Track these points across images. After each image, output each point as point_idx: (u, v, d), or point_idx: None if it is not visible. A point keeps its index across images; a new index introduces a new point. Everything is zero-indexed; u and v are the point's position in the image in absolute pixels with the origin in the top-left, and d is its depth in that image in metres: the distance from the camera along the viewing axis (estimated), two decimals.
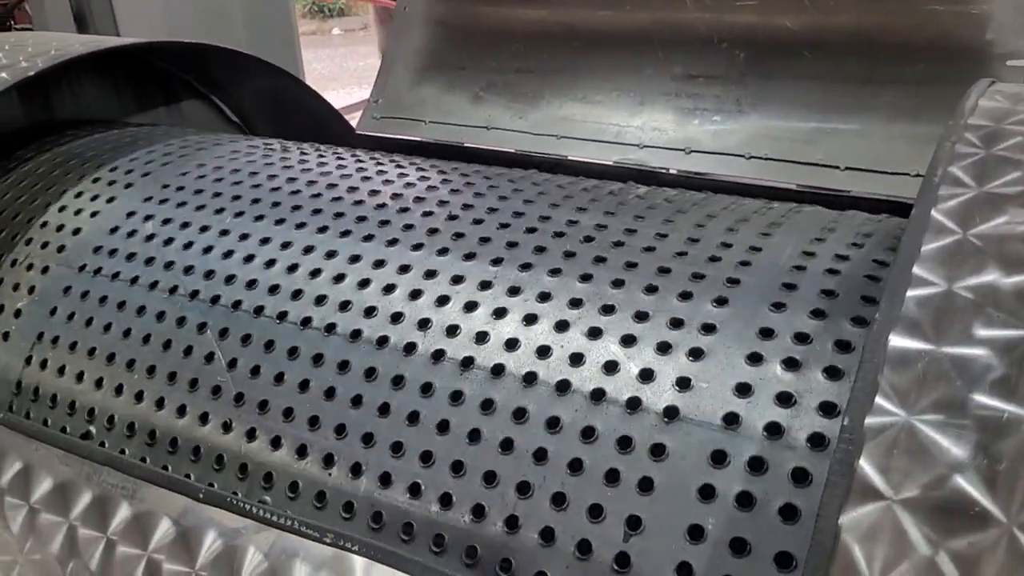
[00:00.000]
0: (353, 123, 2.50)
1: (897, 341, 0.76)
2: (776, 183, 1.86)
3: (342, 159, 1.61)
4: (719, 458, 0.90)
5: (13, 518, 1.07)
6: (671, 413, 0.95)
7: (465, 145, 2.25)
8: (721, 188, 1.89)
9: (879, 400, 0.74)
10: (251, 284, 1.25)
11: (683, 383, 0.97)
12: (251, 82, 2.38)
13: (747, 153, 1.93)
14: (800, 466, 0.87)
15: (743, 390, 0.94)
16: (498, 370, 1.03)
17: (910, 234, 0.84)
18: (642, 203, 1.39)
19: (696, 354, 0.99)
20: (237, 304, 1.22)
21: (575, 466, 0.94)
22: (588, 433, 0.96)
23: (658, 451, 0.93)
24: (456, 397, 1.02)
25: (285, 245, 1.30)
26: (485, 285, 1.14)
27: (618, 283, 1.10)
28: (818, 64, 1.90)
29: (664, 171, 1.97)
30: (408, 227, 1.29)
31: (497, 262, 1.18)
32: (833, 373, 0.93)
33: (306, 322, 1.16)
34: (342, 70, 11.54)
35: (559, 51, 2.22)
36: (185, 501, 0.98)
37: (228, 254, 1.32)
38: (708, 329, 1.02)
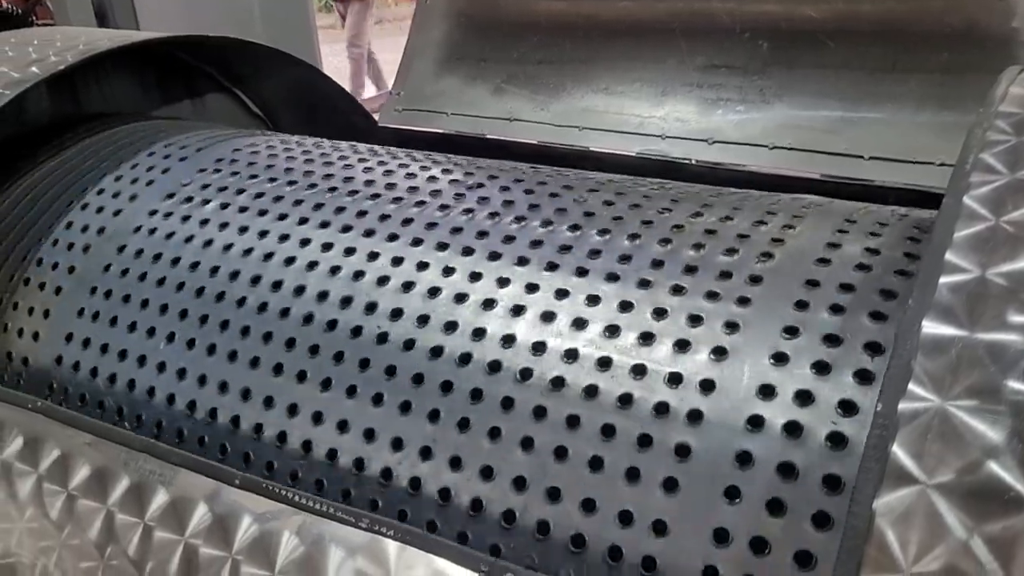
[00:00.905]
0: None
1: (930, 327, 0.76)
2: (800, 173, 1.86)
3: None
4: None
5: (52, 504, 1.09)
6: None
7: (487, 137, 2.25)
8: (744, 178, 1.89)
9: (912, 386, 0.74)
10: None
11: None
12: (273, 75, 2.39)
13: (771, 143, 1.92)
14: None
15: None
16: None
17: (942, 221, 0.84)
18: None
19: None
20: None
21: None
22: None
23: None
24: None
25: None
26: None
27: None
28: (842, 53, 1.89)
29: (687, 162, 1.97)
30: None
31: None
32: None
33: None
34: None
35: (581, 42, 2.22)
36: (221, 487, 0.99)
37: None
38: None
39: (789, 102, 1.94)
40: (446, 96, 2.38)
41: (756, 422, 0.92)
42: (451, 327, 1.10)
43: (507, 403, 1.01)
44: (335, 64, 11.15)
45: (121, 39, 1.88)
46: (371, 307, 1.16)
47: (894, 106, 1.83)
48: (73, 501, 1.06)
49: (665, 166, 1.98)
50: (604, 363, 1.01)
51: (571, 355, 1.03)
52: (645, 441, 0.94)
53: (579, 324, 1.06)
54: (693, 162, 1.97)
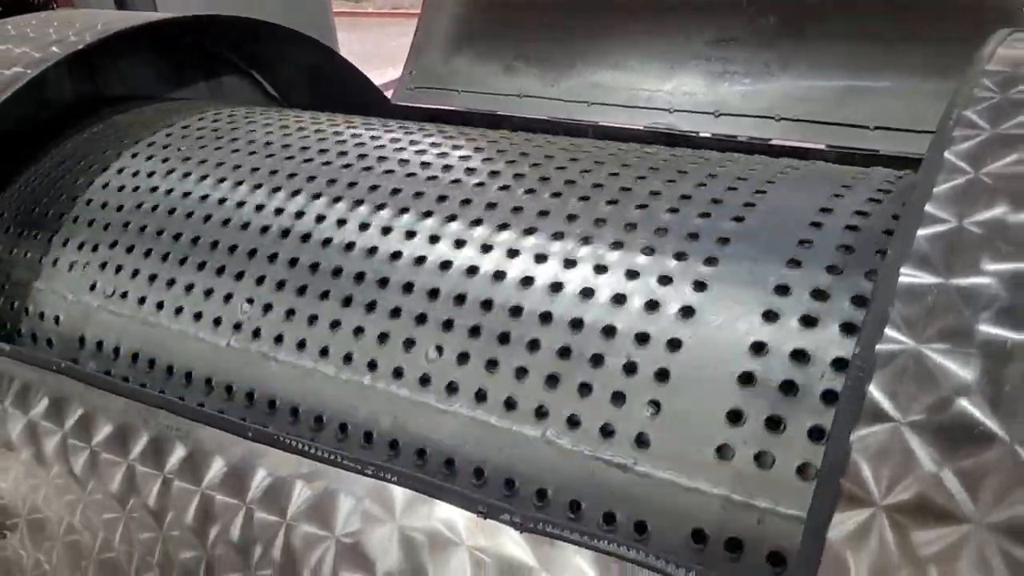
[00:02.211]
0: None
1: (907, 275, 0.80)
2: (806, 144, 1.88)
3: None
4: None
5: (76, 461, 1.14)
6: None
7: (498, 113, 2.29)
8: (750, 150, 1.92)
9: (888, 330, 0.77)
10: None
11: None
12: (290, 57, 2.43)
13: (777, 115, 1.95)
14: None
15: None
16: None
17: (923, 174, 0.87)
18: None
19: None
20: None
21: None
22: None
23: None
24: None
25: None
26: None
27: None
28: (846, 24, 1.91)
29: (693, 134, 2.00)
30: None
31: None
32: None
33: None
34: (376, 49, 11.56)
35: (588, 19, 2.24)
36: (235, 440, 1.04)
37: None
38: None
39: (795, 74, 1.96)
40: (457, 75, 2.42)
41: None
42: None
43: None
44: (351, 50, 11.19)
45: (138, 19, 1.92)
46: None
47: (898, 76, 1.85)
48: (96, 456, 1.11)
49: (672, 139, 2.01)
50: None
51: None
52: None
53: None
54: (700, 135, 2.00)
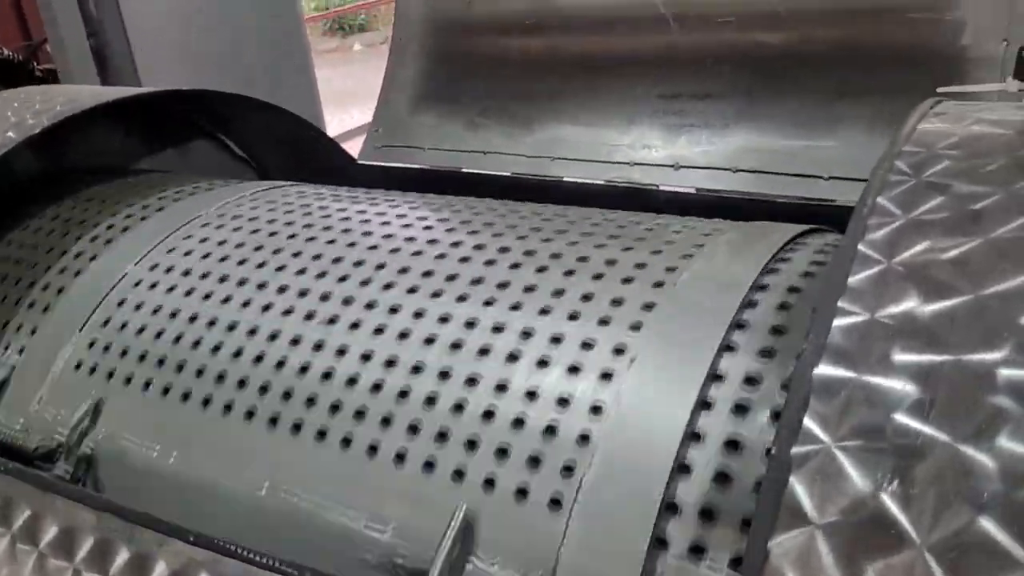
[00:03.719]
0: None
1: (821, 370, 0.80)
2: (762, 196, 1.90)
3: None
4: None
5: (24, 562, 1.14)
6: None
7: (463, 171, 2.30)
8: (709, 202, 1.94)
9: (804, 428, 0.78)
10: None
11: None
12: (256, 121, 2.45)
13: (734, 167, 1.97)
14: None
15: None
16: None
17: (836, 265, 0.88)
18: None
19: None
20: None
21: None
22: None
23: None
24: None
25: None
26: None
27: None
28: (799, 77, 1.93)
29: (653, 188, 2.02)
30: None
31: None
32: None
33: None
34: (362, 86, 11.62)
35: (550, 76, 2.27)
36: (178, 544, 1.04)
37: (226, 299, 1.39)
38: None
39: (750, 126, 1.98)
40: (423, 131, 2.44)
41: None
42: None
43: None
44: (340, 87, 11.25)
45: (99, 96, 1.94)
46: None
47: (851, 126, 1.87)
48: (44, 560, 1.11)
49: (632, 193, 2.03)
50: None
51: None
52: None
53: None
54: (660, 188, 2.02)
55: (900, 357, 0.79)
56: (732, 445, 0.97)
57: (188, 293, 1.43)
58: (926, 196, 0.91)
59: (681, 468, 0.97)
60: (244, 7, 5.16)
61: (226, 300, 1.39)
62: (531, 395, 1.08)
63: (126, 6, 4.86)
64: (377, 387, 1.16)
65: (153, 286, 1.49)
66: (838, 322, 0.83)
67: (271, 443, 1.18)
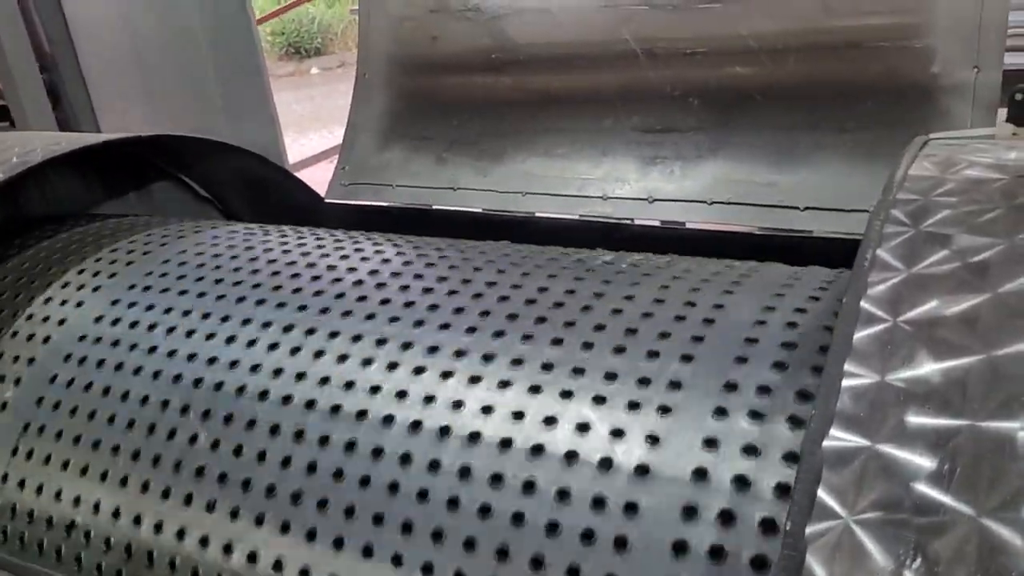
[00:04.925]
0: (331, 167, 2.52)
1: (833, 440, 0.77)
2: (739, 228, 1.88)
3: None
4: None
5: None
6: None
7: (433, 208, 2.26)
8: (684, 236, 1.91)
9: (819, 501, 0.75)
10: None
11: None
12: (219, 162, 2.40)
13: (709, 199, 1.95)
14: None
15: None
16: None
17: (842, 325, 0.85)
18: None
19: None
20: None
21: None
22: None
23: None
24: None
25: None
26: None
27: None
28: (772, 108, 1.92)
29: (628, 222, 1.99)
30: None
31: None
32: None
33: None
34: (322, 110, 11.54)
35: (519, 110, 2.24)
36: None
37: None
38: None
39: (724, 158, 1.97)
40: (391, 168, 2.40)
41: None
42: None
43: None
44: (299, 111, 11.17)
45: (54, 147, 1.88)
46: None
47: (825, 156, 1.86)
48: None
49: (607, 228, 2.00)
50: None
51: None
52: None
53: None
54: (635, 223, 1.99)
55: (914, 422, 0.76)
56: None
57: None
58: (927, 248, 0.89)
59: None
60: (200, 35, 5.09)
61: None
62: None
63: (79, 40, 4.78)
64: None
65: None
66: (847, 383, 0.80)
67: None
